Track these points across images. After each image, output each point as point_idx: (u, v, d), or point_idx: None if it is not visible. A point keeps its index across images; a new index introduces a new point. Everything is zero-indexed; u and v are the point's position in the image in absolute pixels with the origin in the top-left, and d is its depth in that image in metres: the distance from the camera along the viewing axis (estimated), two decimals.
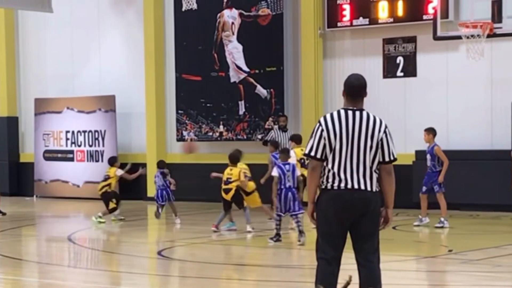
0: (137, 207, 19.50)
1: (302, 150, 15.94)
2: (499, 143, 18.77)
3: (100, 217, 17.52)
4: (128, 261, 12.96)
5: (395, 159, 7.40)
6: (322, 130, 7.30)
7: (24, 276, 11.90)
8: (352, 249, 7.39)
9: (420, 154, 19.19)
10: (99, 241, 16.11)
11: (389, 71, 20.14)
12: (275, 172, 14.39)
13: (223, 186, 15.84)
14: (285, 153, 14.79)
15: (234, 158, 15.90)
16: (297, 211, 14.08)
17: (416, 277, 11.41)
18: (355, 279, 6.80)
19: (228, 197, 15.80)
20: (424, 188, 16.60)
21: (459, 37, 17.10)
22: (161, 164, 18.13)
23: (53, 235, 16.18)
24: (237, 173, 15.71)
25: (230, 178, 15.75)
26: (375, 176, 7.31)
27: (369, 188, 7.25)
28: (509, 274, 11.12)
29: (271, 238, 14.32)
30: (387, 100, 19.68)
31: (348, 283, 1.32)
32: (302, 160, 16.30)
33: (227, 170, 15.82)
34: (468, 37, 16.80)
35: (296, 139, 17.51)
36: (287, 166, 14.30)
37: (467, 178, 18.61)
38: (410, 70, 19.90)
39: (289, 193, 14.11)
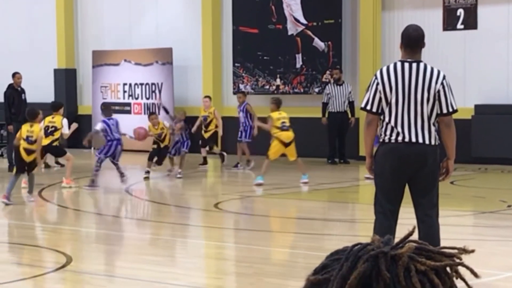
0: (194, 159, 19.57)
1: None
2: None
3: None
4: (184, 213, 13.03)
5: (454, 111, 7.27)
6: (378, 84, 7.21)
7: (82, 227, 12.05)
8: (411, 203, 7.32)
9: (479, 109, 18.91)
10: (155, 193, 16.22)
11: (449, 23, 19.77)
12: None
13: None
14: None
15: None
16: None
17: (474, 232, 11.28)
18: (414, 234, 6.72)
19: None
20: None
21: None
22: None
23: (110, 187, 16.33)
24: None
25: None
26: (433, 128, 7.20)
27: (427, 141, 7.14)
28: None
29: None
30: (446, 53, 19.36)
31: (410, 234, 1.29)
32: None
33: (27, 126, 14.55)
34: None
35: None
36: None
37: None
38: (471, 23, 19.51)
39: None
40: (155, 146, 17.51)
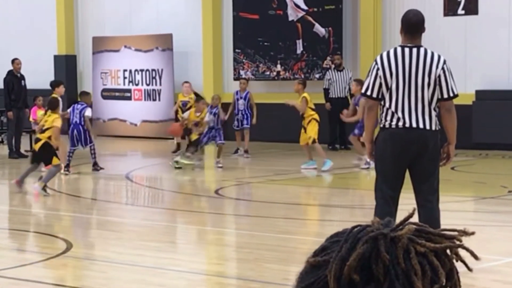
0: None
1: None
2: None
3: (177, 161, 16.56)
4: (185, 199, 13.02)
5: (455, 96, 7.25)
6: (378, 69, 7.19)
7: (83, 213, 12.05)
8: (412, 189, 7.30)
9: (480, 94, 18.87)
10: (156, 179, 16.21)
11: (450, 8, 19.71)
12: None
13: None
14: None
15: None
16: None
17: (475, 217, 11.28)
18: (414, 216, 6.72)
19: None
20: None
21: None
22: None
23: (110, 173, 16.32)
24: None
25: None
26: (434, 114, 7.18)
27: (428, 127, 7.12)
28: None
29: None
30: (447, 38, 19.30)
31: (410, 216, 1.28)
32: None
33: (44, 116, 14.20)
34: None
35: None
36: None
37: None
38: (472, 8, 19.45)
39: None
40: (194, 135, 16.46)
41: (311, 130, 15.64)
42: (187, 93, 19.18)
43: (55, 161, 13.28)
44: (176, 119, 19.39)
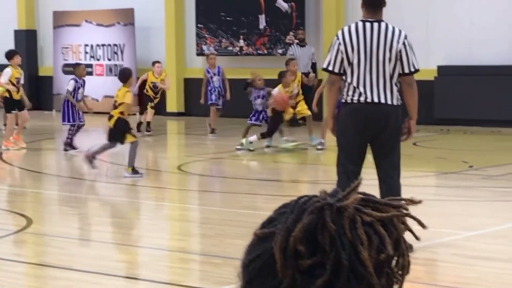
0: (157, 122, 19.44)
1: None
2: None
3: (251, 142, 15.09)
4: (147, 175, 12.95)
5: (416, 71, 7.27)
6: (339, 44, 7.18)
7: (43, 189, 11.95)
8: (373, 164, 7.32)
9: (442, 70, 18.96)
10: (118, 155, 16.12)
11: None
12: None
13: None
14: None
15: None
16: None
17: (436, 192, 11.35)
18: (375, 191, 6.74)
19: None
20: None
21: None
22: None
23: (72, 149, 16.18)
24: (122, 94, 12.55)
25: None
26: (395, 89, 7.20)
27: (389, 102, 7.13)
28: None
29: None
30: (409, 12, 19.32)
31: (356, 186, 1.26)
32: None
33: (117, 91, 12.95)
34: None
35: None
36: None
37: (489, 94, 18.38)
38: None
39: None
40: (288, 114, 15.26)
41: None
42: (158, 73, 18.38)
43: (129, 138, 12.41)
44: (139, 96, 19.19)
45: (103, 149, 12.80)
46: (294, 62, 15.86)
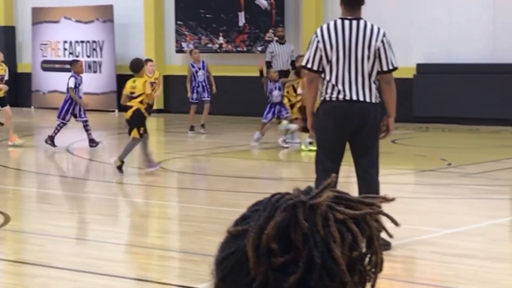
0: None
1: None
2: (501, 57, 18.57)
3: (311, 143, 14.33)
4: (127, 172, 12.92)
5: (394, 69, 7.30)
6: (318, 42, 7.20)
7: (23, 186, 11.90)
8: (352, 162, 7.34)
9: (421, 68, 19.02)
10: (96, 152, 16.07)
11: None
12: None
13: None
14: None
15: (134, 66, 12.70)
16: None
17: (414, 190, 11.39)
18: (354, 190, 6.76)
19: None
20: None
21: None
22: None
23: (51, 146, 16.11)
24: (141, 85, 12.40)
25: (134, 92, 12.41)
26: (374, 86, 7.22)
27: (368, 99, 7.16)
28: (507, 188, 11.11)
29: None
30: (388, 10, 19.37)
31: (329, 184, 1.25)
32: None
33: (130, 83, 12.53)
34: None
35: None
36: None
37: (468, 92, 18.47)
38: None
39: None
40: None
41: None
42: (150, 72, 17.95)
43: (134, 133, 12.14)
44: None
45: (128, 149, 12.41)
46: (301, 59, 15.77)
